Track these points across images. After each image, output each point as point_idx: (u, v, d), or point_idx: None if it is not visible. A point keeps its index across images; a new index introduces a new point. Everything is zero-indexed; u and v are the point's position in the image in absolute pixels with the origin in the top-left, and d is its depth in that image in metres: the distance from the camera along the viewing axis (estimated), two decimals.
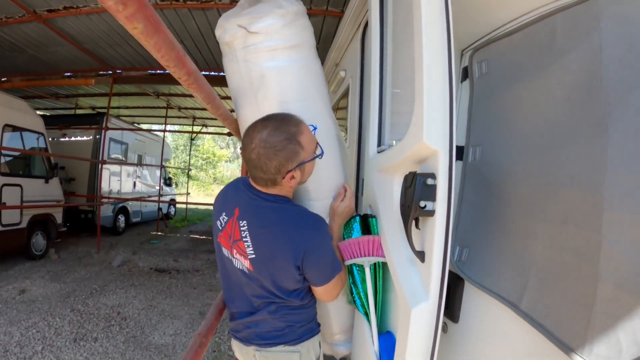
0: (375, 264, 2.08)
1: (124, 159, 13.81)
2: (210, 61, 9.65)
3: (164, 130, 16.14)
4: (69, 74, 10.92)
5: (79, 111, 15.63)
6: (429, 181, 1.55)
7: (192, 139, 20.42)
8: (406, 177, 1.66)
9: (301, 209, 1.96)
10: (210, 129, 19.44)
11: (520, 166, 1.76)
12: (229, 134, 12.14)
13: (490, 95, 2.03)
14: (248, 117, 2.06)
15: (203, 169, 44.00)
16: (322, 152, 1.93)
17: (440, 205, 1.54)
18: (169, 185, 17.87)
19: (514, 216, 1.76)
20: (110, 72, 10.64)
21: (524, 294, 1.62)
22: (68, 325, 5.51)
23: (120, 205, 13.35)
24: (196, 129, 18.45)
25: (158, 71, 10.71)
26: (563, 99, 1.57)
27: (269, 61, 2.01)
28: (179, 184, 31.91)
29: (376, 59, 2.33)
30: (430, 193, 1.55)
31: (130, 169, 14.46)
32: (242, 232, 1.88)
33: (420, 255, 1.66)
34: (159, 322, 5.79)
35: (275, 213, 1.88)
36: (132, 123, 17.47)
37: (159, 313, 6.12)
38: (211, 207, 11.58)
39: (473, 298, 1.96)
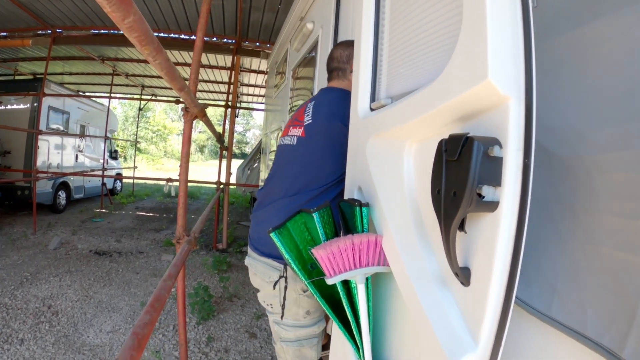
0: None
1: (65, 129, 12.57)
2: (159, 21, 8.69)
3: (109, 97, 14.87)
4: (4, 33, 9.71)
5: (18, 77, 14.22)
6: (494, 151, 0.92)
7: (140, 109, 19.22)
8: (446, 144, 1.02)
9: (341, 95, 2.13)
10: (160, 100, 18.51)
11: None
12: (177, 102, 11.26)
13: (541, 37, 1.39)
14: None
15: (153, 142, 43.31)
16: None
17: (509, 193, 0.93)
18: (115, 158, 16.73)
19: (606, 218, 1.11)
20: (49, 31, 9.48)
21: (627, 338, 1.01)
22: None
23: (61, 180, 12.20)
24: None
25: (102, 31, 9.62)
26: None
27: None
28: (128, 157, 30.86)
29: None
30: (492, 172, 0.93)
31: (72, 140, 13.24)
32: (307, 111, 2.17)
33: (464, 275, 1.02)
34: (95, 317, 5.01)
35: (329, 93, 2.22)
36: (77, 91, 16.22)
37: (95, 305, 5.34)
38: (160, 182, 10.72)
39: (520, 328, 1.34)
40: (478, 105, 1.01)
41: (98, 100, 15.66)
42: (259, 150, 11.32)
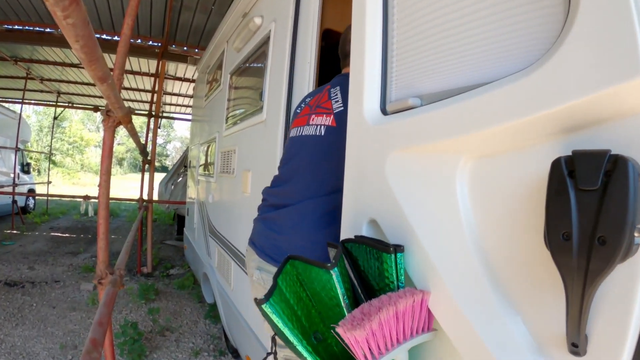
0: None
1: None
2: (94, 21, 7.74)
3: (22, 103, 13.54)
4: None
5: None
6: None
7: (55, 118, 17.83)
8: (571, 164, 0.71)
9: None
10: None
11: None
12: (95, 109, 10.40)
13: None
14: None
15: (69, 155, 41.15)
16: None
17: None
18: (27, 172, 15.37)
19: None
20: None
21: None
22: None
23: None
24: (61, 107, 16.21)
25: (16, 26, 8.49)
26: None
27: None
28: (42, 171, 29.12)
29: None
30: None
31: None
32: (332, 96, 1.82)
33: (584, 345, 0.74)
34: None
35: None
36: None
37: (7, 351, 4.51)
38: (77, 200, 9.63)
39: None
40: (607, 112, 0.71)
41: (9, 106, 14.32)
42: (182, 163, 10.70)
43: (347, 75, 1.81)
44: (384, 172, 1.14)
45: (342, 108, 1.72)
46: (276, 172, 2.37)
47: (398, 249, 1.00)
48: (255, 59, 3.38)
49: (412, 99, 1.10)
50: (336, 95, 1.79)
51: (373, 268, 1.06)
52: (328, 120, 1.76)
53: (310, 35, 2.44)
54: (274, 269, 1.69)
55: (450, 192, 0.95)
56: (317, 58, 2.41)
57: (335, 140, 1.70)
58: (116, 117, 2.25)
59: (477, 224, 0.91)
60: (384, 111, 1.22)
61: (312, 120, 1.84)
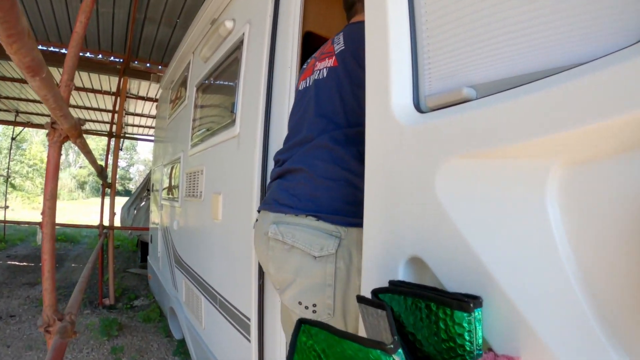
0: None
1: None
2: (39, 31, 7.41)
3: None
4: None
5: None
6: None
7: (13, 138, 17.07)
8: None
9: None
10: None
11: None
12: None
13: None
14: None
15: (29, 178, 39.83)
16: None
17: None
18: None
19: None
20: None
21: None
22: None
23: None
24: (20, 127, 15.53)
25: None
26: None
27: None
28: (0, 195, 28.26)
29: None
30: None
31: None
32: (335, 41, 1.77)
33: None
34: None
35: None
36: None
37: None
38: (34, 226, 9.09)
39: None
40: None
41: None
42: (145, 187, 10.27)
43: (353, 24, 1.82)
44: (434, 190, 0.82)
45: (344, 47, 1.69)
46: (253, 195, 2.26)
47: (476, 302, 0.67)
48: (226, 67, 3.07)
49: (466, 89, 0.79)
50: (339, 39, 1.75)
51: (432, 331, 0.72)
52: (330, 62, 1.71)
53: (290, 38, 2.18)
54: (292, 219, 1.58)
55: (538, 213, 0.66)
56: (299, 63, 2.15)
57: (337, 77, 1.66)
58: (62, 129, 1.87)
59: (580, 256, 0.63)
60: (417, 108, 0.91)
61: (316, 67, 1.81)
